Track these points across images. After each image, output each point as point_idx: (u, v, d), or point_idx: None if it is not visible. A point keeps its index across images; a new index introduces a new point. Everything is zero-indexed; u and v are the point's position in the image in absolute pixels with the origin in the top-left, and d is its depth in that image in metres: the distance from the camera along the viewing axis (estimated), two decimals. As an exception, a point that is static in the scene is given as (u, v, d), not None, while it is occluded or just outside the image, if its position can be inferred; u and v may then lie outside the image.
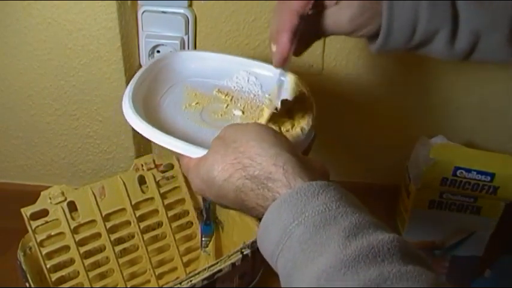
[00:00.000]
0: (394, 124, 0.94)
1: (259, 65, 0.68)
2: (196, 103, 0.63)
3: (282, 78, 0.59)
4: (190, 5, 0.81)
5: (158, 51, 0.82)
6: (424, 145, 0.84)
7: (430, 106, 0.92)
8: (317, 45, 0.84)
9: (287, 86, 0.61)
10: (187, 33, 0.81)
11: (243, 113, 0.62)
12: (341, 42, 0.84)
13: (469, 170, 0.80)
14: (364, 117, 0.93)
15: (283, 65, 0.57)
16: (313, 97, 0.63)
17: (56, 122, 0.89)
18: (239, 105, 0.63)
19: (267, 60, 0.86)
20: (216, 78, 0.67)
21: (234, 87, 0.66)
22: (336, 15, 0.57)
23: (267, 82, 0.66)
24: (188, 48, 0.83)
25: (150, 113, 0.59)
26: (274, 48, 0.56)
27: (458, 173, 0.81)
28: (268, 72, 0.66)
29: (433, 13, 0.55)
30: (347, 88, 0.89)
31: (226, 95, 0.65)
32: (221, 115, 0.62)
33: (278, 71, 0.61)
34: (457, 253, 0.89)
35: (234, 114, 0.62)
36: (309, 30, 0.58)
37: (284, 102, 0.60)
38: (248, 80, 0.67)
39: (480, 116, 0.92)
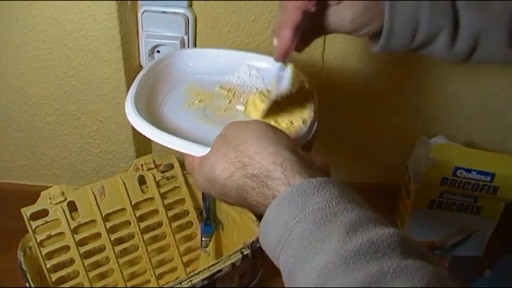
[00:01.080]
0: (394, 124, 0.94)
1: (261, 57, 0.68)
2: (199, 101, 0.63)
3: (281, 72, 0.60)
4: (190, 5, 0.81)
5: (158, 51, 0.82)
6: (424, 145, 0.85)
7: (430, 106, 0.92)
8: (317, 45, 0.84)
9: (287, 78, 0.61)
10: (187, 33, 0.81)
11: (245, 107, 0.62)
12: (341, 42, 0.84)
13: (469, 170, 0.80)
14: (364, 117, 0.93)
15: (284, 59, 0.58)
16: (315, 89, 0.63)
17: (56, 122, 0.89)
18: (242, 100, 0.64)
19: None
20: (218, 74, 0.67)
21: (236, 82, 0.66)
22: (338, 14, 0.57)
23: (268, 75, 0.66)
24: (188, 48, 0.83)
25: (153, 113, 0.60)
26: (275, 42, 0.57)
27: (458, 173, 0.81)
28: (270, 64, 0.65)
29: (434, 14, 0.56)
30: (347, 88, 0.89)
31: (229, 90, 0.65)
32: (224, 111, 0.62)
33: (278, 64, 0.61)
34: (457, 253, 0.89)
35: (237, 110, 0.62)
36: (311, 27, 0.58)
37: (285, 95, 0.60)
38: (250, 74, 0.67)
39: (480, 116, 0.92)
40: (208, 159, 0.49)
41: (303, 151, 0.49)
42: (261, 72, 0.67)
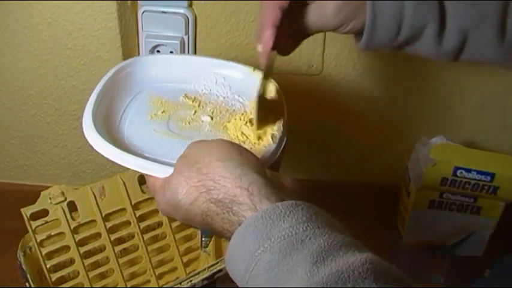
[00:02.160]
0: (394, 124, 0.94)
1: (228, 64, 0.65)
2: (163, 111, 0.59)
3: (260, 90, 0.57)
4: (190, 5, 0.81)
5: (158, 51, 0.82)
6: (424, 145, 0.85)
7: (430, 106, 0.92)
8: (317, 46, 0.84)
9: (260, 91, 0.58)
10: (187, 33, 0.81)
11: (211, 118, 0.59)
12: (341, 42, 0.84)
13: (469, 170, 0.80)
14: (364, 117, 0.93)
15: (267, 60, 0.56)
16: (285, 99, 0.60)
17: (56, 122, 0.89)
18: (208, 110, 0.60)
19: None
20: (183, 82, 0.63)
21: (202, 90, 0.63)
22: (320, 9, 0.56)
23: (236, 83, 0.63)
24: (188, 48, 0.83)
25: (113, 128, 0.56)
26: (259, 48, 0.55)
27: (458, 173, 0.81)
28: (238, 72, 0.63)
29: (419, 8, 0.55)
30: (347, 88, 0.89)
31: (194, 100, 0.61)
32: (189, 123, 0.58)
33: (248, 71, 0.59)
34: (457, 253, 0.89)
35: (202, 121, 0.59)
36: (295, 28, 0.57)
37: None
38: (216, 82, 0.64)
39: (480, 116, 0.92)
40: (171, 182, 0.46)
41: (271, 171, 0.46)
42: (228, 80, 0.64)
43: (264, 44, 0.55)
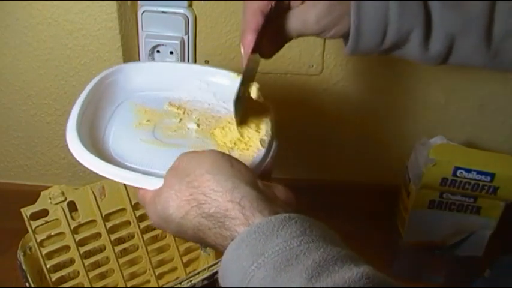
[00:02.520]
0: (394, 124, 0.94)
1: (211, 70, 0.64)
2: (148, 120, 0.58)
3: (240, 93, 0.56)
4: (190, 5, 0.81)
5: (158, 51, 0.82)
6: (424, 145, 0.84)
7: (430, 106, 0.92)
8: (317, 46, 0.84)
9: (241, 97, 0.56)
10: (187, 33, 0.81)
11: (198, 125, 0.58)
12: (341, 42, 0.84)
13: (469, 170, 0.80)
14: (364, 117, 0.93)
15: (249, 63, 0.55)
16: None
17: (56, 122, 0.89)
18: (194, 117, 0.60)
19: (265, 61, 0.87)
20: (166, 89, 0.62)
21: (186, 97, 0.62)
22: (302, 15, 0.55)
23: (220, 89, 0.62)
24: (188, 48, 0.83)
25: (98, 139, 0.55)
26: (242, 50, 0.55)
27: (458, 173, 0.80)
28: (222, 78, 0.63)
29: (404, 13, 0.54)
30: (347, 88, 0.89)
31: (178, 107, 0.61)
32: (175, 130, 0.58)
33: (232, 76, 0.59)
34: (457, 253, 0.89)
35: (188, 128, 0.58)
36: (278, 31, 0.56)
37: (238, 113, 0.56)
38: (200, 88, 0.63)
39: (480, 116, 0.92)
40: (161, 195, 0.45)
41: (263, 182, 0.45)
42: (212, 86, 0.63)
43: (245, 48, 0.54)
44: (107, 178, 0.51)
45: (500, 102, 0.91)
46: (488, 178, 0.80)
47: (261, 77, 0.86)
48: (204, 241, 0.44)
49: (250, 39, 0.54)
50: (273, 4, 0.55)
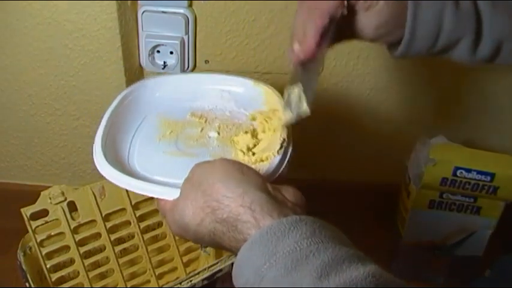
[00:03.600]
0: (394, 124, 0.94)
1: (231, 79, 0.66)
2: (171, 132, 0.60)
3: (289, 95, 0.56)
4: (190, 5, 0.81)
5: (158, 51, 0.82)
6: (424, 145, 0.84)
7: (430, 106, 0.92)
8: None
9: (302, 101, 0.57)
10: (187, 33, 0.81)
11: (218, 133, 0.60)
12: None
13: (469, 170, 0.80)
14: (364, 117, 0.93)
15: (303, 65, 0.55)
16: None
17: (56, 122, 0.89)
18: (215, 125, 0.61)
19: (268, 58, 0.87)
20: (188, 100, 0.64)
21: (208, 106, 0.64)
22: (363, 21, 0.56)
23: (240, 96, 0.64)
24: (188, 48, 0.83)
25: (124, 155, 0.58)
26: (297, 46, 0.54)
27: (458, 173, 0.81)
28: (240, 86, 0.64)
29: (457, 22, 0.54)
30: (347, 88, 0.89)
31: (200, 117, 0.62)
32: (197, 140, 0.59)
33: (250, 84, 0.60)
34: (457, 253, 0.89)
35: (209, 137, 0.60)
36: (334, 35, 0.56)
37: (303, 116, 0.56)
38: (222, 97, 0.65)
39: (480, 116, 0.92)
40: (178, 205, 0.47)
41: (273, 185, 0.46)
42: (233, 95, 0.65)
43: (307, 50, 0.54)
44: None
45: (500, 102, 0.91)
46: (488, 178, 0.80)
47: (261, 77, 0.87)
48: (220, 245, 0.45)
49: (312, 42, 0.53)
50: (342, 9, 0.54)
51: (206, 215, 0.45)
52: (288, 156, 0.55)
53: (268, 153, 0.55)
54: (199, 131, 0.61)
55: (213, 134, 0.60)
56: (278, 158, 0.54)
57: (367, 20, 0.55)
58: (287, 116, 0.55)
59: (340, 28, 0.56)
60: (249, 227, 0.42)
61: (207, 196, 0.45)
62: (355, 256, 0.39)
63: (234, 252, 0.44)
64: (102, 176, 0.54)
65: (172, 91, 0.65)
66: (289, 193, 0.46)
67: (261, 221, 0.42)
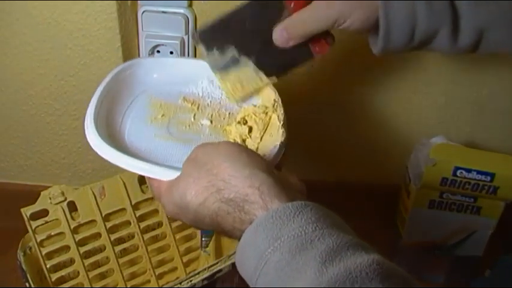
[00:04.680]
0: (394, 124, 0.94)
1: None
2: (162, 115, 0.60)
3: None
4: (190, 5, 0.81)
5: (158, 51, 0.82)
6: (424, 145, 0.85)
7: (430, 106, 0.92)
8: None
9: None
10: (187, 33, 0.81)
11: (211, 122, 0.60)
12: (341, 42, 0.84)
13: (469, 170, 0.80)
14: (364, 117, 0.93)
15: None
16: (285, 99, 0.61)
17: (56, 122, 0.89)
18: (207, 113, 0.61)
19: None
20: (181, 84, 0.64)
21: (200, 93, 0.64)
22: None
23: None
24: (188, 48, 0.83)
25: (114, 131, 0.57)
26: (285, 34, 0.57)
27: (458, 173, 0.81)
28: None
29: (431, 13, 0.55)
30: (347, 88, 0.89)
31: (193, 103, 0.62)
32: (189, 126, 0.59)
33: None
34: (457, 253, 0.89)
35: (202, 124, 0.59)
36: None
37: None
38: (214, 84, 0.64)
39: (480, 116, 0.92)
40: (179, 184, 0.47)
41: (278, 171, 0.47)
42: None
43: (285, 41, 0.57)
44: (122, 169, 0.52)
45: (500, 102, 0.91)
46: (488, 178, 0.80)
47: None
48: (220, 227, 0.45)
49: (297, 42, 0.57)
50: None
51: (210, 195, 0.44)
52: (283, 148, 0.55)
53: (265, 145, 0.55)
54: (192, 117, 0.60)
55: (206, 122, 0.60)
56: (275, 149, 0.54)
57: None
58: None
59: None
60: (256, 208, 0.42)
61: (212, 176, 0.44)
62: (359, 244, 0.39)
63: (234, 234, 0.44)
64: (97, 153, 0.52)
65: (166, 73, 0.64)
66: (293, 179, 0.47)
67: (269, 203, 0.42)
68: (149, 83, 0.64)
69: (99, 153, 0.52)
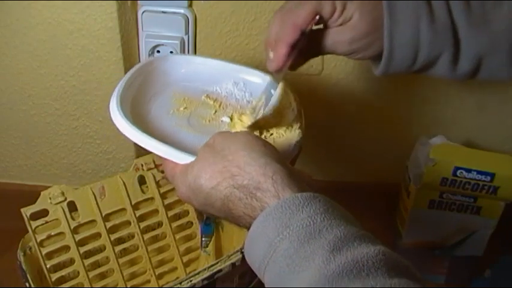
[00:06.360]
0: (394, 124, 0.94)
1: (250, 71, 0.67)
2: (185, 108, 0.62)
3: (272, 90, 0.59)
4: (190, 5, 0.81)
5: (158, 51, 0.82)
6: (424, 145, 0.84)
7: (430, 106, 0.92)
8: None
9: (276, 96, 0.61)
10: (187, 33, 0.81)
11: (231, 120, 0.61)
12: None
13: (469, 170, 0.80)
14: (364, 117, 0.93)
15: (277, 74, 0.58)
16: (303, 106, 0.63)
17: (56, 122, 0.89)
18: (227, 111, 0.63)
19: (264, 61, 0.87)
20: (206, 83, 0.66)
21: (223, 93, 0.65)
22: (336, 36, 0.57)
23: (256, 89, 0.65)
24: (188, 48, 0.83)
25: (137, 115, 0.59)
26: (271, 55, 0.57)
27: (458, 173, 0.81)
28: (258, 79, 0.66)
29: (434, 38, 0.55)
30: (347, 88, 0.89)
31: (215, 101, 0.64)
32: (209, 121, 0.61)
33: (268, 79, 0.61)
34: (457, 253, 0.89)
35: (222, 121, 0.61)
36: (308, 46, 0.58)
37: (272, 112, 0.60)
38: (237, 87, 0.66)
39: (480, 116, 0.92)
40: (194, 167, 0.48)
41: (291, 166, 0.48)
42: (249, 86, 0.66)
43: (277, 59, 0.56)
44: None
45: (500, 102, 0.91)
46: (488, 178, 0.80)
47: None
48: (230, 212, 0.46)
49: (283, 52, 0.56)
50: (313, 24, 0.56)
51: (224, 179, 0.45)
52: (298, 148, 0.58)
53: (281, 142, 0.57)
54: (213, 113, 0.62)
55: (226, 119, 0.61)
56: (290, 148, 0.57)
57: (341, 34, 0.57)
58: (268, 107, 0.59)
59: (317, 42, 0.58)
60: (268, 196, 0.43)
61: (227, 161, 0.46)
62: (366, 236, 0.41)
63: (243, 220, 0.45)
64: (120, 132, 0.54)
65: (193, 71, 0.67)
66: (304, 174, 0.49)
67: (281, 192, 0.43)
68: (176, 78, 0.66)
69: (122, 130, 0.54)
